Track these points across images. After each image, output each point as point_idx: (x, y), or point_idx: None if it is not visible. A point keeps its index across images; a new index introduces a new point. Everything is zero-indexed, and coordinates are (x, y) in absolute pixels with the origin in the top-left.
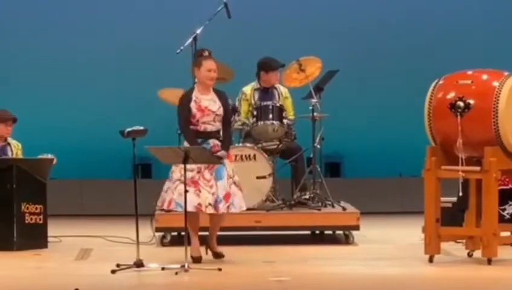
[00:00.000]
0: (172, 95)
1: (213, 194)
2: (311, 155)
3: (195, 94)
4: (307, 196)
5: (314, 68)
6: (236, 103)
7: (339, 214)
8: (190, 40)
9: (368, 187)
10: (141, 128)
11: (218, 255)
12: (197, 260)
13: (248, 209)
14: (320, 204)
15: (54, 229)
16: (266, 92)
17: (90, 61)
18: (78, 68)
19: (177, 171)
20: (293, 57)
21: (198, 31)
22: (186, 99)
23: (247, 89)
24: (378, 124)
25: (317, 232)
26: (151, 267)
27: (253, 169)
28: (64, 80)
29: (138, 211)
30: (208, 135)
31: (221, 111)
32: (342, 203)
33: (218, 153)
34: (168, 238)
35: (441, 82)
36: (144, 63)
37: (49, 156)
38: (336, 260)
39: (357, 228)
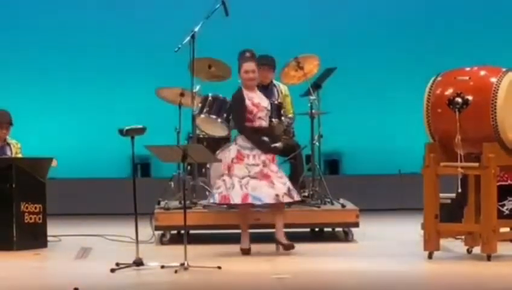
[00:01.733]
0: (170, 94)
1: (284, 184)
2: (310, 152)
3: (245, 93)
4: (306, 194)
5: (312, 66)
6: None
7: (338, 211)
8: (188, 38)
9: (367, 184)
10: (140, 126)
11: (288, 247)
12: (245, 251)
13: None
14: (319, 201)
15: (53, 229)
16: (265, 90)
17: (88, 60)
18: (76, 66)
19: (242, 168)
20: (291, 55)
21: (196, 29)
22: (241, 97)
23: None
24: (377, 121)
25: (317, 229)
26: (151, 266)
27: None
28: (62, 79)
29: (137, 210)
30: (263, 131)
31: (269, 107)
32: (341, 201)
33: (277, 145)
34: (168, 236)
35: (439, 78)
36: (142, 61)
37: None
38: (335, 257)
39: (356, 225)
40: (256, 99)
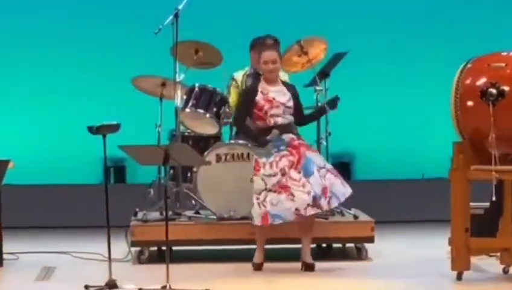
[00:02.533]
0: (149, 84)
1: (308, 193)
2: None
3: (261, 85)
4: None
5: (318, 50)
6: (225, 91)
7: (350, 223)
8: (171, 17)
9: (383, 191)
10: (113, 123)
11: (308, 267)
12: (257, 267)
13: (241, 218)
14: (327, 212)
15: (9, 245)
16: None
17: (49, 45)
18: (34, 53)
19: (257, 180)
20: (293, 37)
21: (180, 7)
22: (252, 90)
23: (239, 75)
24: (396, 117)
25: (324, 245)
26: (127, 288)
27: (246, 170)
28: (19, 69)
29: (110, 222)
30: (280, 129)
31: (291, 103)
32: (353, 211)
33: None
34: (146, 254)
35: (469, 66)
36: (115, 45)
37: (10, 161)
38: (346, 278)
39: (371, 240)
40: (272, 94)
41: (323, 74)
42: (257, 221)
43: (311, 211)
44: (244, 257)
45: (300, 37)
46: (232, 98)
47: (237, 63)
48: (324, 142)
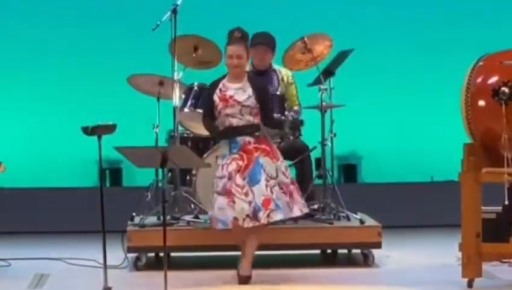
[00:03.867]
0: (146, 83)
1: (250, 203)
2: (321, 155)
3: (223, 82)
4: (316, 206)
5: (323, 47)
6: None
7: (356, 228)
8: (168, 13)
9: (391, 195)
10: (109, 123)
11: (243, 279)
12: (243, 280)
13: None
14: (332, 216)
15: (1, 251)
16: (261, 77)
17: (42, 42)
18: (26, 51)
19: (214, 182)
20: (296, 34)
21: (178, 2)
22: (212, 87)
23: None
24: (404, 117)
25: (329, 251)
26: None
27: None
28: (12, 74)
29: (106, 227)
30: (236, 131)
31: (250, 102)
32: (359, 215)
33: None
34: (143, 260)
35: (480, 63)
36: (111, 42)
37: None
38: (352, 286)
39: (378, 245)
40: (230, 92)
41: (328, 72)
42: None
43: (249, 224)
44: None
45: (304, 33)
46: None
47: None
48: (329, 144)
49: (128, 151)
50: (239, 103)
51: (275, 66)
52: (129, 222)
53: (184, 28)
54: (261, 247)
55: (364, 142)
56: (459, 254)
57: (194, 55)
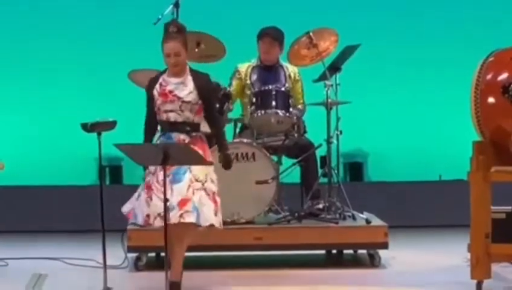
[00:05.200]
0: (147, 78)
1: (164, 201)
2: (326, 153)
3: (163, 77)
4: (321, 206)
5: (328, 42)
6: (228, 84)
7: (362, 228)
8: (170, 7)
9: (398, 194)
10: (109, 120)
11: (172, 286)
12: (174, 286)
13: (246, 222)
14: (337, 216)
15: None
16: (268, 72)
17: (41, 37)
18: (26, 46)
19: (147, 174)
20: (301, 29)
21: None
22: (151, 83)
23: (243, 67)
24: (411, 114)
25: (334, 251)
26: None
27: (251, 172)
28: (10, 71)
29: (106, 226)
30: (171, 127)
31: (191, 98)
32: (366, 215)
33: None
34: (144, 260)
35: (490, 59)
36: (111, 37)
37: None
38: (358, 287)
39: (384, 246)
40: (170, 86)
41: (334, 68)
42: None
43: (160, 223)
44: (249, 263)
45: (310, 28)
46: (234, 89)
47: (242, 56)
48: (335, 141)
49: (128, 148)
50: (179, 98)
51: (283, 62)
52: (129, 221)
53: (186, 22)
54: (265, 247)
55: (370, 139)
56: (468, 255)
57: (196, 50)
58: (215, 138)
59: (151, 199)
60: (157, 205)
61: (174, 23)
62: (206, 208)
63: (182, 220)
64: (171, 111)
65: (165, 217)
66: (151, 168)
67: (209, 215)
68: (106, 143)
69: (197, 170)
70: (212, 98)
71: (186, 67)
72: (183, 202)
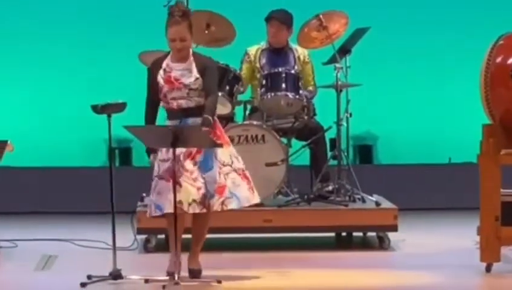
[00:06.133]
0: None
1: (198, 189)
2: (336, 136)
3: (166, 61)
4: (330, 188)
5: (338, 25)
6: (239, 67)
7: (371, 211)
8: None
9: (407, 176)
10: (119, 101)
11: (194, 273)
12: (198, 273)
13: (255, 205)
14: (347, 198)
15: (7, 232)
16: (278, 55)
17: (50, 18)
18: (34, 27)
19: (155, 163)
20: (311, 11)
21: None
22: (154, 65)
23: (252, 49)
24: (421, 96)
25: (344, 234)
26: (132, 279)
27: (261, 154)
28: (21, 51)
29: (115, 208)
30: (184, 113)
31: (198, 84)
32: (375, 197)
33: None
34: (153, 242)
35: (501, 42)
36: (121, 19)
37: (8, 143)
38: (367, 270)
39: (394, 228)
40: (175, 73)
41: (344, 50)
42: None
43: (195, 209)
44: (258, 246)
45: (320, 10)
46: (244, 73)
47: (252, 39)
48: (344, 124)
49: (138, 130)
50: (186, 85)
51: (292, 45)
52: (139, 203)
53: (196, 5)
54: (275, 229)
55: (380, 122)
56: (477, 238)
57: (206, 32)
58: (207, 105)
59: (180, 186)
60: (191, 192)
61: (179, 6)
62: (241, 189)
63: (225, 208)
64: (181, 98)
65: (175, 204)
66: (164, 156)
67: (247, 194)
68: (116, 125)
69: (221, 154)
70: (209, 78)
71: (189, 52)
72: (220, 190)
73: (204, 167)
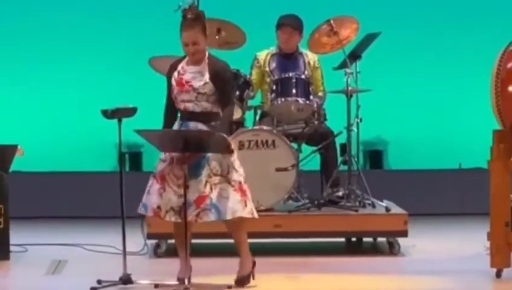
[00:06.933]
0: (167, 65)
1: (180, 196)
2: (346, 141)
3: (182, 64)
4: (341, 193)
5: (349, 30)
6: (249, 73)
7: (382, 216)
8: None
9: (418, 182)
10: (129, 106)
11: (236, 282)
12: (182, 282)
13: (265, 210)
14: (357, 204)
15: (17, 236)
16: (288, 59)
17: (61, 23)
18: (44, 32)
19: (158, 163)
20: (322, 17)
21: None
22: (170, 69)
23: (262, 54)
24: (432, 102)
25: (354, 239)
26: (142, 284)
27: (271, 159)
28: (32, 55)
29: (125, 213)
30: (188, 116)
31: (207, 89)
32: (385, 203)
33: None
34: (164, 247)
35: (511, 48)
36: (132, 24)
37: (19, 147)
38: (377, 275)
39: (404, 234)
40: (187, 76)
41: (355, 55)
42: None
43: (171, 218)
44: (268, 251)
45: (330, 16)
46: (254, 78)
47: (262, 43)
48: (355, 129)
49: (148, 135)
50: (195, 89)
51: (302, 50)
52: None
53: (207, 8)
54: (285, 234)
55: (390, 127)
56: (488, 243)
57: (216, 37)
58: (222, 120)
59: (164, 190)
60: (171, 199)
61: (192, 10)
62: (229, 201)
63: (199, 220)
64: (188, 101)
65: (185, 210)
66: (164, 156)
67: (236, 207)
68: (126, 130)
69: (217, 162)
70: (224, 87)
71: (204, 55)
72: (199, 200)
73: (192, 173)
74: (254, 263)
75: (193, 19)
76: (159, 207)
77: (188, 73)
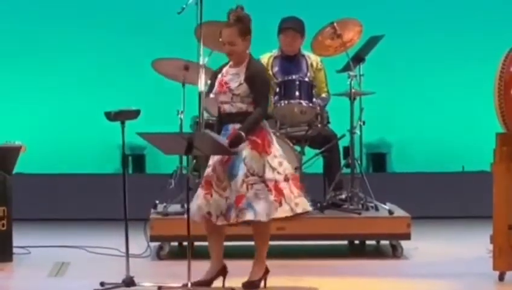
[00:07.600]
0: (171, 67)
1: (226, 198)
2: (349, 144)
3: (226, 66)
4: (344, 196)
5: (353, 33)
6: None
7: (384, 219)
8: None
9: (421, 185)
10: (132, 109)
11: (245, 285)
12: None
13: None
14: (360, 206)
15: (20, 238)
16: (290, 62)
17: (64, 25)
18: (49, 34)
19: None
20: (326, 19)
21: None
22: (217, 71)
23: (265, 57)
24: (435, 105)
25: (357, 242)
26: (145, 287)
27: None
28: (35, 57)
29: (128, 215)
30: (227, 118)
31: (241, 90)
32: (388, 206)
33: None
34: (166, 249)
35: None
36: (135, 26)
37: (16, 143)
38: (379, 278)
39: (407, 236)
40: (227, 77)
41: (358, 58)
42: None
43: (222, 221)
44: (271, 253)
45: (334, 18)
46: None
47: (264, 46)
48: (358, 132)
49: (151, 137)
50: (231, 90)
51: (304, 52)
52: (152, 210)
53: (210, 11)
54: (288, 237)
55: (394, 130)
56: (491, 246)
57: (220, 39)
58: (248, 120)
59: (211, 196)
60: (220, 204)
61: (237, 11)
62: (265, 202)
63: (239, 220)
64: (226, 102)
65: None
66: (211, 161)
67: (270, 209)
68: (129, 132)
69: (253, 161)
70: (257, 88)
71: (244, 57)
72: (238, 199)
73: (231, 173)
74: (267, 271)
75: (234, 20)
76: (209, 213)
77: (229, 74)
